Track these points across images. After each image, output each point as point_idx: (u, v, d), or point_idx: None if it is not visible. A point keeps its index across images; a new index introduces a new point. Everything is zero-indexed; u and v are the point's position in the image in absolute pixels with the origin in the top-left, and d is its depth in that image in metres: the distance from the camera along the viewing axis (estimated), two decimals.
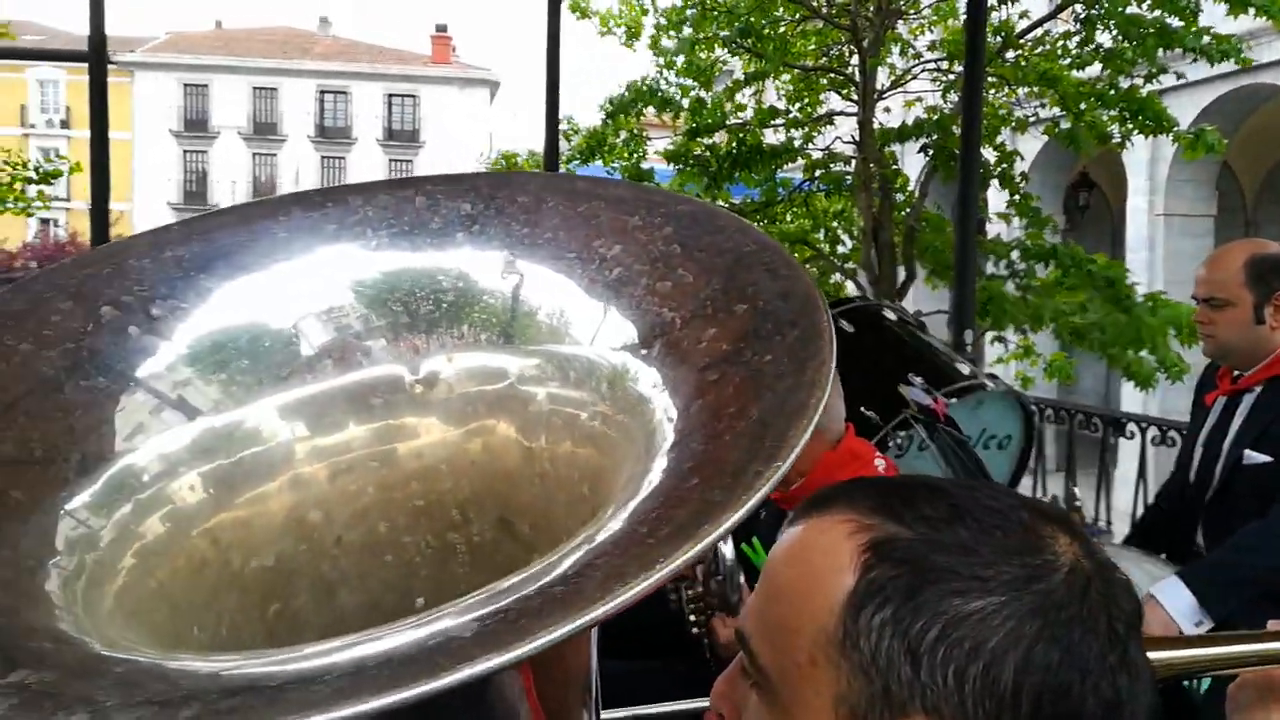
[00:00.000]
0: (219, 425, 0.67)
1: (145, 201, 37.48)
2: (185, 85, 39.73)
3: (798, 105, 8.36)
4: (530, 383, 0.74)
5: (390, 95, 41.84)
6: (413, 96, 41.95)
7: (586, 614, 0.44)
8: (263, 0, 57.50)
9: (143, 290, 0.67)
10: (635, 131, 7.97)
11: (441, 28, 43.89)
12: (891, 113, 8.69)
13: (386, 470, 0.76)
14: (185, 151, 40.48)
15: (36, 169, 10.69)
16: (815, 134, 8.16)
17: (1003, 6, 7.20)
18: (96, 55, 5.35)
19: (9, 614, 0.52)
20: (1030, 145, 10.44)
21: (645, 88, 7.61)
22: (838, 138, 8.29)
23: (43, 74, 38.68)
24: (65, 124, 38.19)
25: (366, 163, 41.56)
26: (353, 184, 0.86)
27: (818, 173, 8.23)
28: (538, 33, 6.05)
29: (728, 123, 7.83)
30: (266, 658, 0.55)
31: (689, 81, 7.96)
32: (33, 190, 10.81)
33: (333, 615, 0.74)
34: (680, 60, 7.72)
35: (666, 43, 7.80)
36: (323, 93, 41.51)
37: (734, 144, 7.54)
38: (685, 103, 7.75)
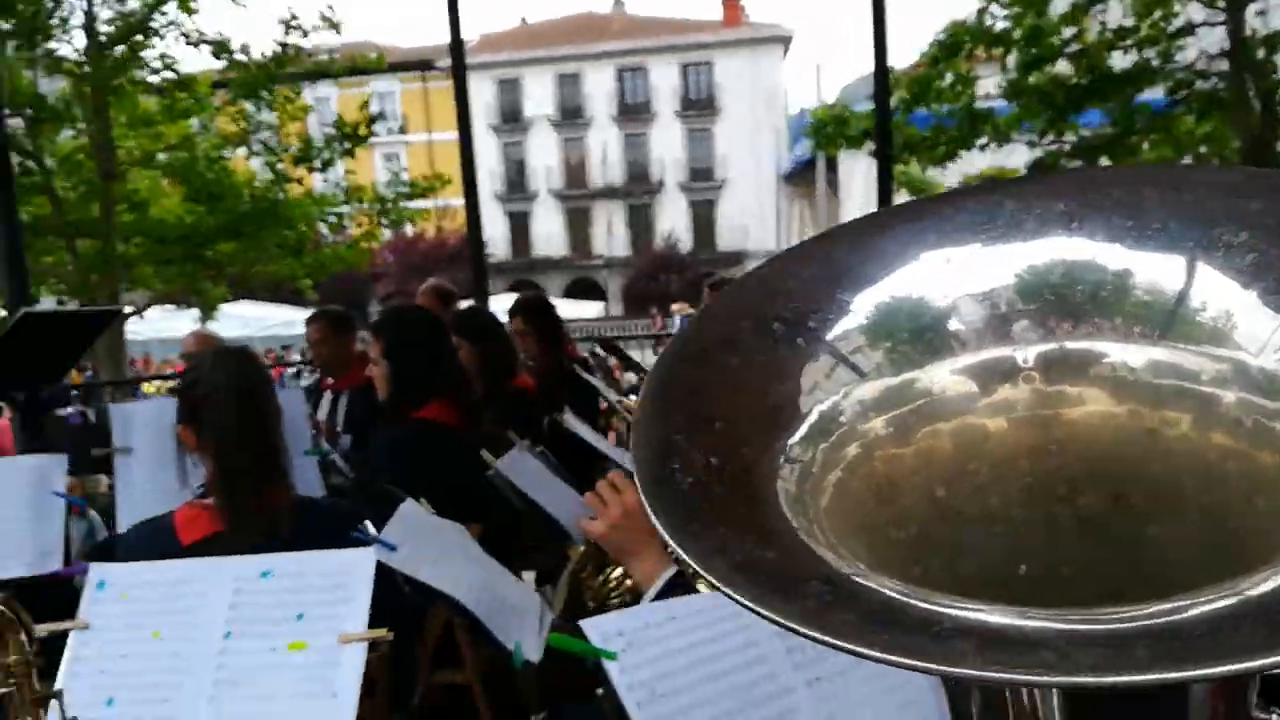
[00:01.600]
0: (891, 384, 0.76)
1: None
2: (499, 82, 42.73)
3: (1148, 21, 7.56)
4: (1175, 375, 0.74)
5: (685, 65, 42.61)
6: (707, 64, 42.46)
7: None
8: None
9: (795, 305, 0.77)
10: (963, 73, 7.58)
11: None
12: (1267, 15, 7.62)
13: (1003, 444, 0.80)
14: (504, 144, 43.59)
15: (413, 185, 12.01)
16: (1173, 50, 7.34)
17: None
18: (457, 62, 5.90)
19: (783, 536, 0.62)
20: None
21: (971, 25, 7.21)
22: (1203, 52, 7.41)
23: (381, 87, 43.27)
24: (403, 130, 42.54)
25: (667, 136, 42.74)
26: (932, 196, 0.90)
27: (1180, 93, 7.40)
28: None
29: (1067, 50, 7.24)
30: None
31: (1017, 10, 7.42)
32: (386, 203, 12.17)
33: (955, 583, 0.78)
34: None
35: None
36: (621, 72, 43.08)
37: (1081, 72, 6.95)
38: (1017, 34, 7.25)
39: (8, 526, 2.74)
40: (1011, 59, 7.55)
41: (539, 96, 43.01)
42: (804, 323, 0.75)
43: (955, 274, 0.79)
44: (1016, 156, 8.44)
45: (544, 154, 43.55)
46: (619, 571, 2.29)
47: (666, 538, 0.58)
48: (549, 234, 44.02)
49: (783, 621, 0.51)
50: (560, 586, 2.14)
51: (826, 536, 0.66)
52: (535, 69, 42.96)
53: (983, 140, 7.53)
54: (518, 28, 46.51)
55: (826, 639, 0.50)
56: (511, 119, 43.34)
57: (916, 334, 0.77)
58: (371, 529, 2.07)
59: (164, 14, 9.99)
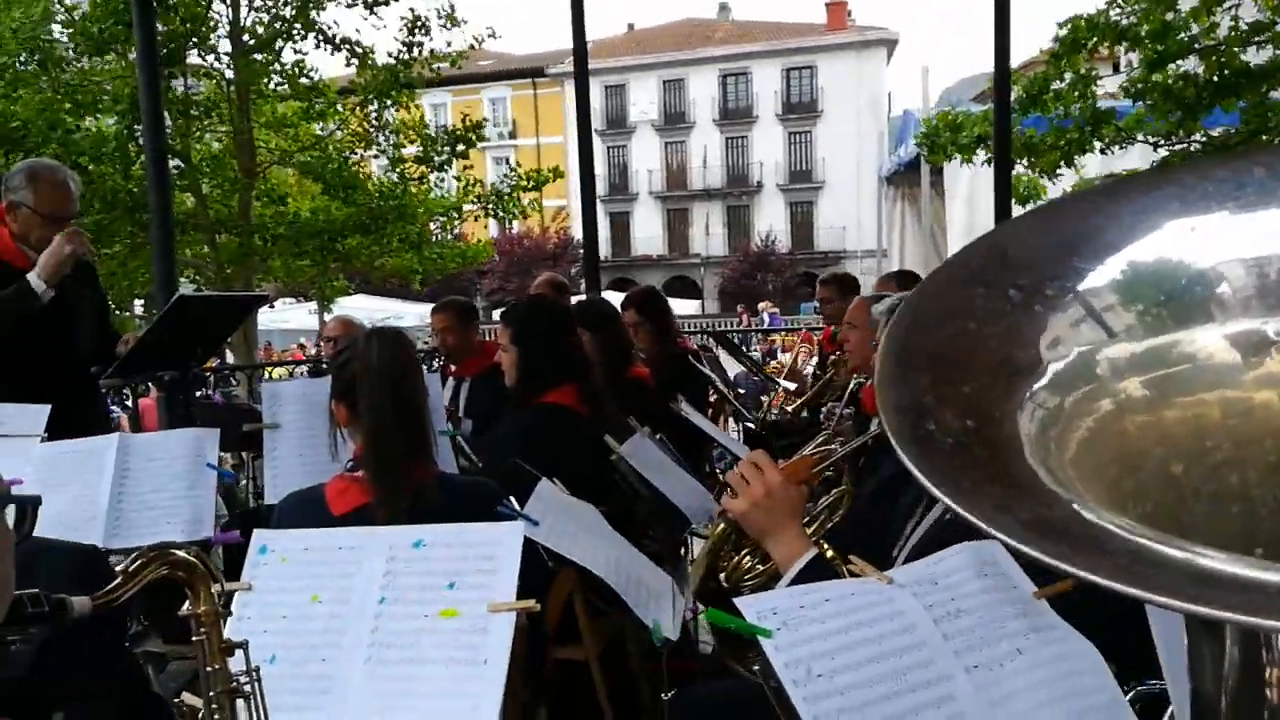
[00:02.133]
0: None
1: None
2: (606, 87, 43.07)
3: None
4: None
5: (788, 69, 42.24)
6: (810, 68, 42.01)
7: None
8: None
9: (1031, 272, 0.74)
10: (1083, 71, 7.28)
11: None
12: None
13: (1247, 423, 0.75)
14: (608, 148, 43.92)
15: (526, 176, 12.24)
16: None
17: None
18: (580, 69, 5.95)
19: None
20: None
21: (1093, 20, 6.90)
22: None
23: (494, 93, 44.12)
24: (512, 134, 43.29)
25: (768, 138, 42.45)
26: (1176, 166, 0.86)
27: None
28: None
29: (1197, 46, 6.88)
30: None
31: (1145, 6, 7.08)
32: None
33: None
34: None
35: None
36: (724, 76, 42.96)
37: (1214, 69, 6.59)
38: (1144, 29, 6.91)
39: (165, 495, 2.86)
40: (1135, 56, 7.22)
41: (643, 101, 43.22)
42: (1041, 290, 0.74)
43: (1203, 241, 0.75)
44: (1128, 160, 8.08)
45: (646, 157, 43.75)
46: (749, 560, 2.27)
47: (942, 497, 0.57)
48: (648, 234, 44.21)
49: (1097, 579, 0.49)
50: (696, 564, 2.12)
51: (1078, 491, 0.64)
52: (641, 74, 43.18)
53: (1102, 143, 7.22)
54: (625, 34, 46.81)
55: (1149, 595, 0.48)
56: (617, 124, 43.65)
57: (1169, 300, 0.74)
58: (515, 504, 2.09)
59: (307, 17, 10.36)
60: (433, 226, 12.17)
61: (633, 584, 2.14)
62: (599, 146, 43.86)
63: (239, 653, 1.40)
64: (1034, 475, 0.61)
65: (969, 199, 14.23)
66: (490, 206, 11.88)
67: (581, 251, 9.09)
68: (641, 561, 2.31)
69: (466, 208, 12.12)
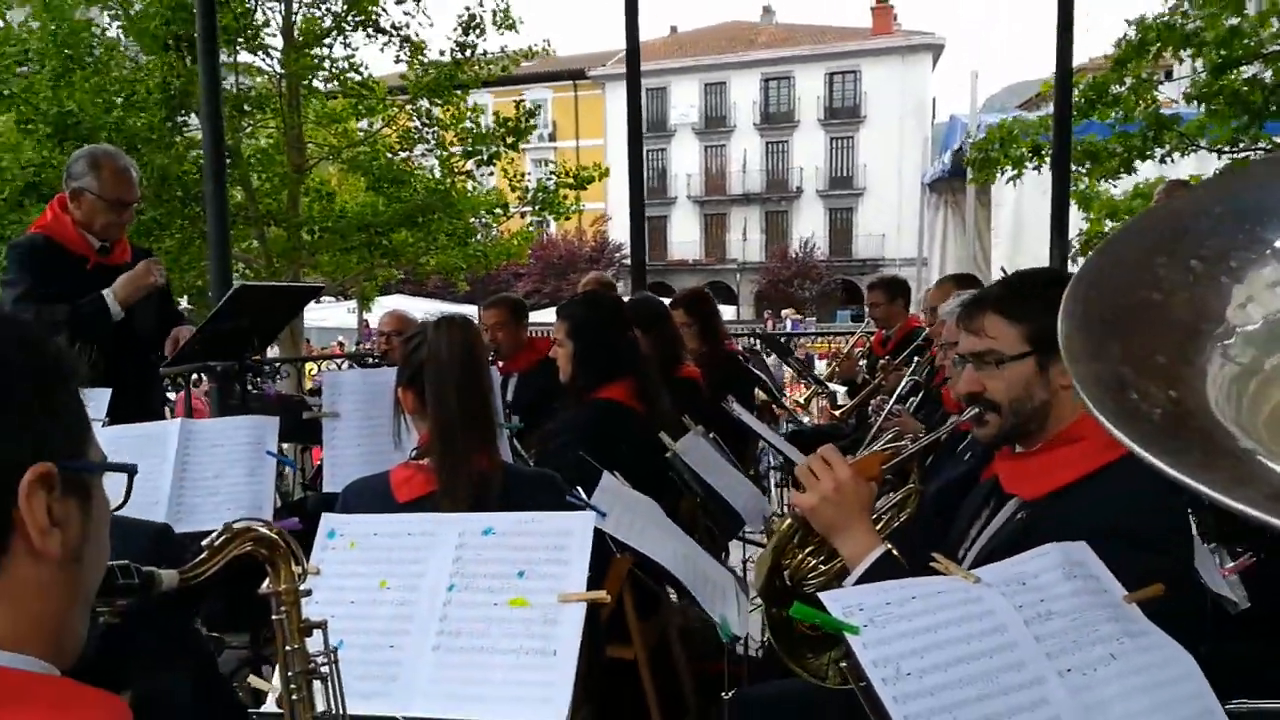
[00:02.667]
0: None
1: (617, 199, 41.39)
2: (647, 90, 43.03)
3: None
4: None
5: (830, 74, 42.01)
6: (853, 72, 41.74)
7: None
8: (712, 0, 60.60)
9: (1211, 243, 0.71)
10: (1144, 76, 7.14)
11: None
12: None
13: None
14: (647, 151, 43.89)
15: (574, 174, 12.26)
16: None
17: None
18: (632, 70, 5.94)
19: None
20: None
21: (1160, 23, 6.77)
22: None
23: (535, 95, 44.33)
24: (552, 137, 43.44)
25: (809, 143, 42.24)
26: None
27: None
28: None
29: (1264, 51, 6.72)
30: None
31: (1212, 11, 6.92)
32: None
33: None
34: None
35: None
36: (766, 80, 42.81)
37: None
38: (1209, 34, 6.76)
39: (226, 480, 2.88)
40: (1197, 63, 7.07)
41: (684, 105, 43.17)
42: (1225, 261, 0.71)
43: None
44: (1183, 168, 7.91)
45: (685, 160, 43.69)
46: (813, 559, 2.23)
47: (1170, 471, 0.54)
48: (685, 238, 44.12)
49: None
50: (760, 561, 2.08)
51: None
52: (682, 77, 43.15)
53: (1164, 149, 7.07)
54: (668, 37, 46.83)
55: None
56: (657, 126, 43.66)
57: None
58: (583, 495, 2.07)
59: (362, 5, 10.43)
60: (478, 224, 12.23)
61: (700, 579, 2.11)
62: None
63: (317, 633, 1.38)
64: (1242, 446, 0.58)
65: (1015, 207, 14.03)
66: (536, 205, 11.90)
67: (617, 255, 9.12)
68: (705, 557, 2.28)
69: (513, 208, 12.16)
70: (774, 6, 47.13)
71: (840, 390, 5.51)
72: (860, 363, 6.19)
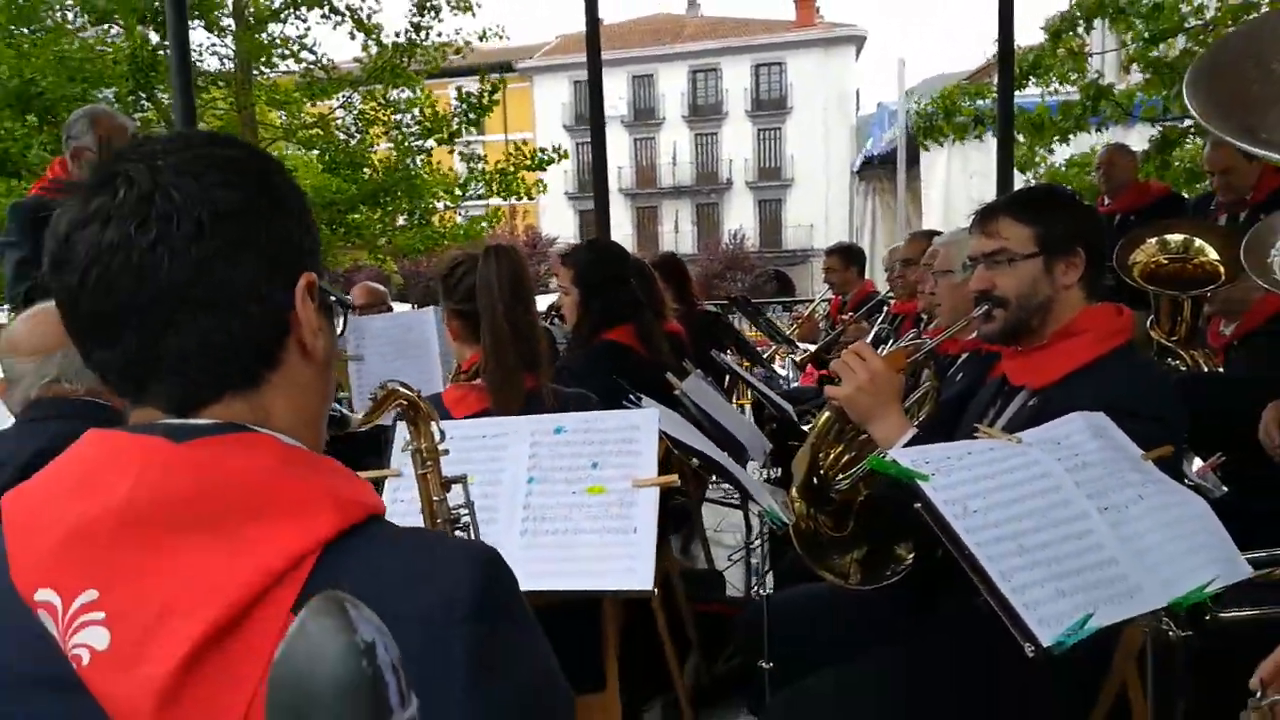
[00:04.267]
0: None
1: (552, 192, 41.28)
2: (574, 83, 43.14)
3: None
4: None
5: (757, 66, 42.57)
6: (779, 64, 42.38)
7: None
8: None
9: None
10: (1075, 49, 7.55)
11: None
12: None
13: None
14: (577, 144, 43.99)
15: (533, 156, 12.33)
16: None
17: None
18: (593, 57, 6.06)
19: None
20: None
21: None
22: None
23: (463, 87, 43.97)
24: (480, 130, 43.11)
25: (737, 135, 42.75)
26: None
27: None
28: None
29: (1187, 26, 7.17)
30: None
31: None
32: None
33: None
34: None
35: None
36: (694, 72, 43.19)
37: (1205, 48, 6.89)
38: (1140, 6, 7.17)
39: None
40: (1122, 37, 7.50)
41: (613, 97, 43.29)
42: None
43: None
44: (1117, 138, 8.35)
45: (615, 154, 43.85)
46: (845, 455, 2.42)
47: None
48: (617, 232, 44.08)
49: None
50: (799, 459, 2.27)
51: None
52: (610, 70, 43.22)
53: (1101, 117, 7.49)
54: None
55: None
56: (586, 119, 43.64)
57: None
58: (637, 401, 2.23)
59: None
60: (439, 206, 12.21)
61: (746, 475, 2.29)
62: (569, 142, 43.91)
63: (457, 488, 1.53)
64: None
65: (945, 190, 14.49)
66: (495, 185, 11.96)
67: (551, 250, 9.23)
68: (738, 464, 2.47)
69: (472, 188, 12.15)
70: None
71: (808, 348, 5.76)
72: (820, 324, 6.46)
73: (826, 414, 2.22)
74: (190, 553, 0.76)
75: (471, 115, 11.36)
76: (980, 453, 1.72)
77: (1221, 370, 3.59)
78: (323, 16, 10.56)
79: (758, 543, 4.12)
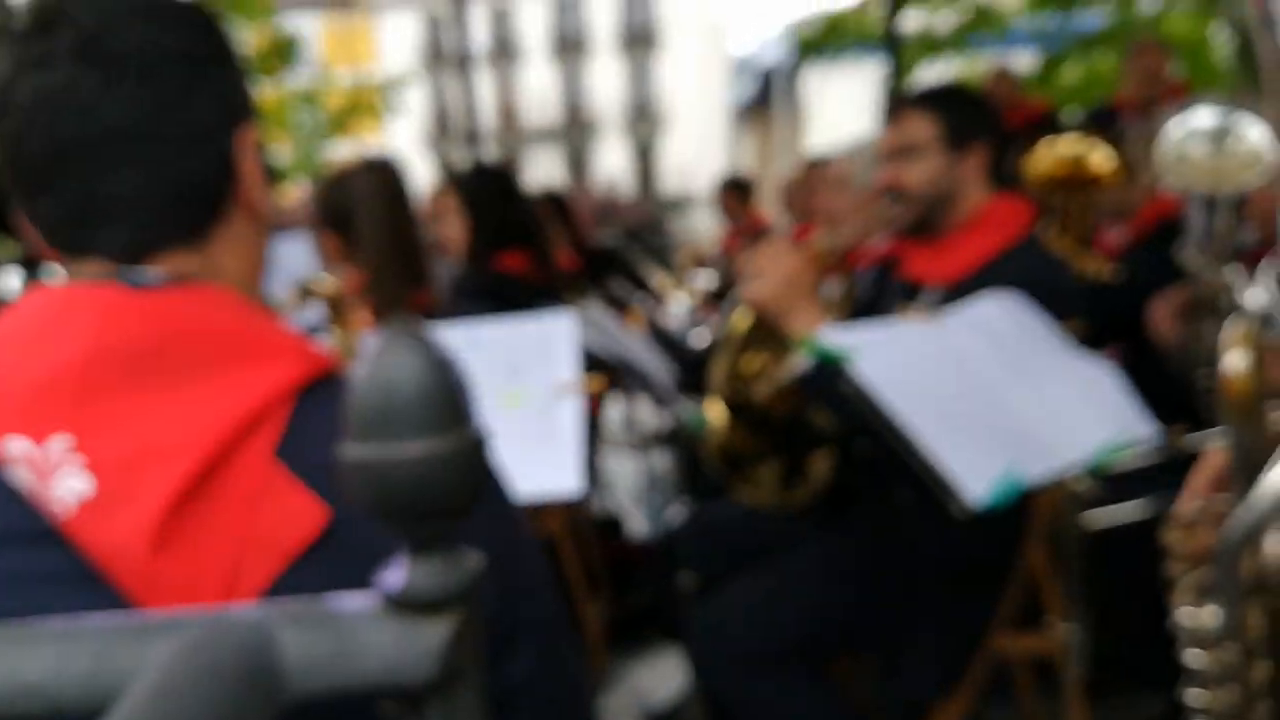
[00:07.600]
0: None
1: (409, 139, 40.26)
2: (433, 19, 42.01)
3: None
4: None
5: None
6: None
7: None
8: None
9: None
10: None
11: None
12: None
13: None
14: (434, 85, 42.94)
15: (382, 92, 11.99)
16: None
17: None
18: None
19: None
20: None
21: None
22: None
23: (296, 21, 42.22)
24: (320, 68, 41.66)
25: (606, 73, 42.59)
26: None
27: None
28: None
29: None
30: None
31: None
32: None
33: None
34: None
35: None
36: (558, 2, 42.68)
37: None
38: None
39: None
40: None
41: (476, 34, 42.39)
42: None
43: None
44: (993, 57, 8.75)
45: (479, 94, 43.03)
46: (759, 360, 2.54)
47: None
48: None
49: None
50: (717, 364, 2.35)
51: None
52: (471, 5, 42.26)
53: (989, 33, 7.83)
54: None
55: None
56: (444, 59, 42.69)
57: None
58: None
59: None
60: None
61: (661, 378, 2.39)
62: (423, 84, 42.85)
63: None
64: None
65: (837, 114, 14.86)
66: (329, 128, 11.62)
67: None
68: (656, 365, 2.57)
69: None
70: None
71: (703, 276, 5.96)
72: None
73: (742, 316, 2.31)
74: (164, 398, 0.78)
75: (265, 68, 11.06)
76: (903, 331, 1.85)
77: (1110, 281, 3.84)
78: None
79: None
